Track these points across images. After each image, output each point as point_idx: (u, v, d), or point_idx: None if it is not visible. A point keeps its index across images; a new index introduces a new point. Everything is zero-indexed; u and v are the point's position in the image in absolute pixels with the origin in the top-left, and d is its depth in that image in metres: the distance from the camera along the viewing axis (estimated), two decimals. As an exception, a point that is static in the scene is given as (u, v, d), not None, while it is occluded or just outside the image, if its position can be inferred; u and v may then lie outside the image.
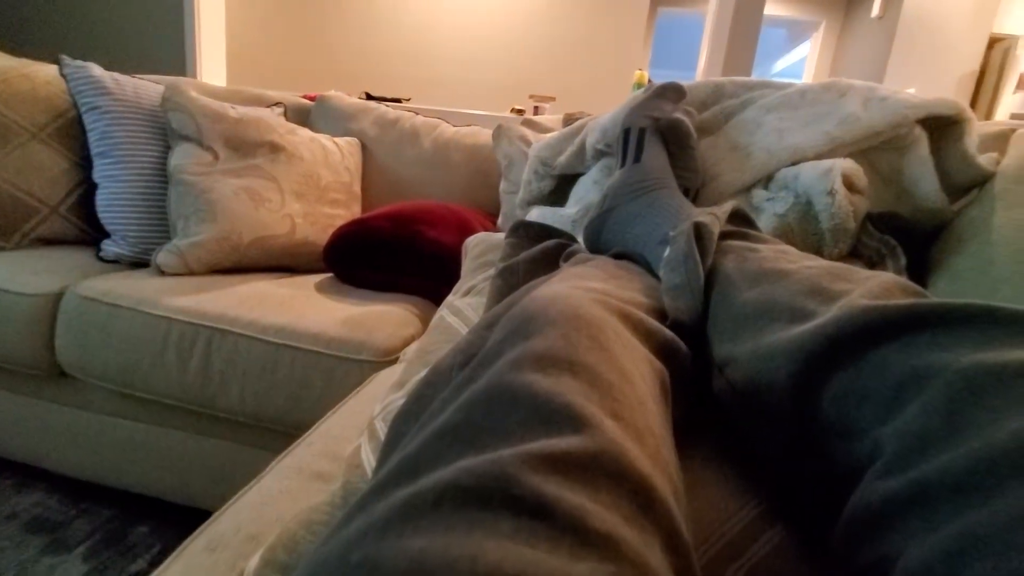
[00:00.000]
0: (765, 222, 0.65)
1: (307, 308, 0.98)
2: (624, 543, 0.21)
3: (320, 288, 1.13)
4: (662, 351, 0.39)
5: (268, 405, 0.91)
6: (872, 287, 0.38)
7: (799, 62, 6.30)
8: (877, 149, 0.69)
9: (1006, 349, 0.29)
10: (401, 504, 0.21)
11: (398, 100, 2.73)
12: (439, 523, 0.20)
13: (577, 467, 0.22)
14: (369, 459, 0.46)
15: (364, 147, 1.57)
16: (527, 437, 0.23)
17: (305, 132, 1.36)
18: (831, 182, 0.60)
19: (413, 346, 0.66)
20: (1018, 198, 0.58)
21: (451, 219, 1.23)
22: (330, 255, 1.15)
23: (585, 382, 0.26)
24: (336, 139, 1.47)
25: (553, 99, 3.07)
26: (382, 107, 1.64)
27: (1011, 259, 0.53)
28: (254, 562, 0.40)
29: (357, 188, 1.49)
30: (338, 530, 0.22)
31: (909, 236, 0.67)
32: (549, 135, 0.96)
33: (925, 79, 3.89)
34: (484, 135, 1.60)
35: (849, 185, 0.62)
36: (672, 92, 0.73)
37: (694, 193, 0.72)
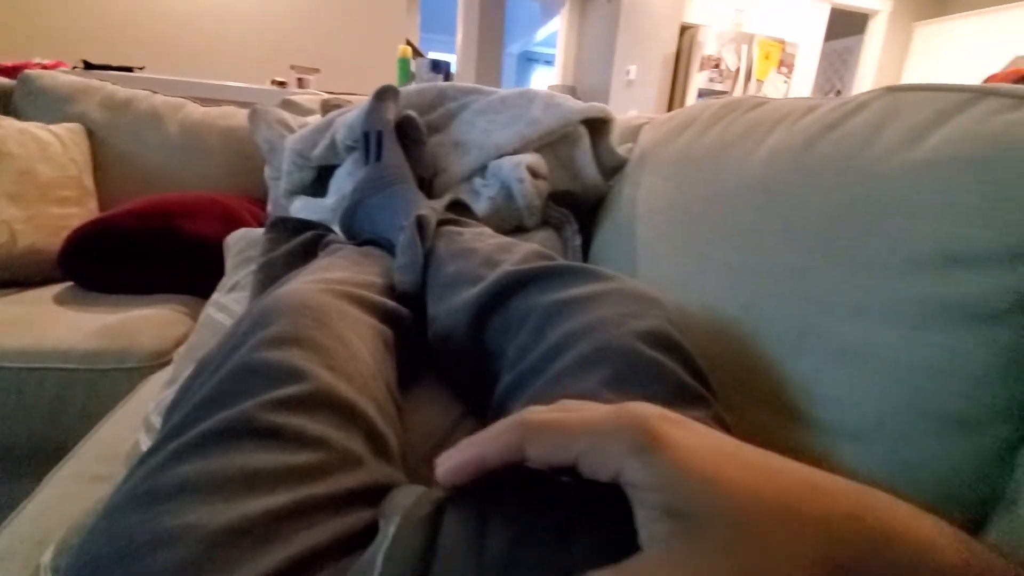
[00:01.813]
0: (483, 204, 0.84)
1: (49, 324, 0.91)
2: (333, 440, 0.35)
3: (61, 300, 1.04)
4: (387, 318, 0.54)
5: (20, 432, 0.85)
6: (518, 257, 0.58)
7: (555, 33, 6.98)
8: (557, 143, 0.92)
9: (566, 289, 0.50)
10: (171, 452, 0.32)
11: (127, 69, 2.35)
12: (201, 455, 0.31)
13: (298, 403, 0.35)
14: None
15: (91, 134, 1.39)
16: (263, 393, 0.35)
17: (11, 123, 1.17)
18: (520, 172, 0.81)
19: (184, 346, 0.70)
20: (635, 177, 0.86)
21: (214, 209, 1.21)
22: (68, 261, 1.05)
23: (308, 349, 0.39)
24: (52, 127, 1.28)
25: (317, 71, 2.97)
26: (108, 86, 1.46)
27: (626, 220, 0.80)
28: (48, 555, 0.45)
29: (89, 182, 1.33)
30: (121, 484, 0.32)
31: (581, 207, 0.93)
32: (302, 129, 1.03)
33: (641, 58, 4.73)
34: (241, 116, 1.55)
35: (534, 173, 0.84)
36: (391, 93, 0.87)
37: (429, 182, 0.88)
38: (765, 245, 0.57)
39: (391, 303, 0.56)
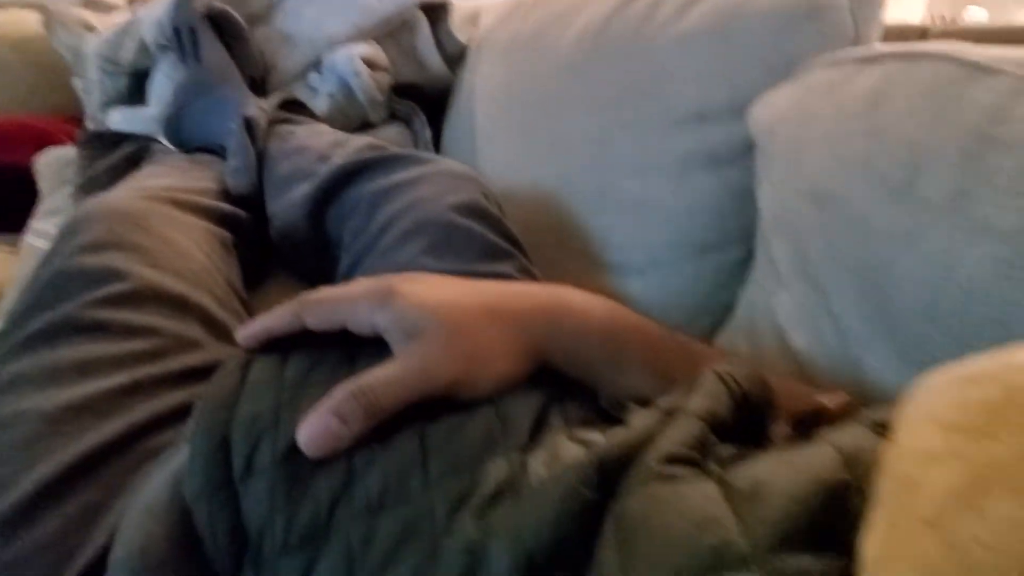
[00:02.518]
0: (322, 101, 0.83)
1: None
2: (164, 328, 0.39)
3: None
4: (223, 221, 0.56)
5: None
6: (350, 150, 0.60)
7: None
8: (398, 31, 0.90)
9: (392, 175, 0.55)
10: (1, 356, 0.34)
11: None
12: (31, 354, 0.34)
13: (122, 299, 0.38)
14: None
15: None
16: (84, 294, 0.37)
17: None
18: (356, 65, 0.80)
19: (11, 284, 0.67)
20: (474, 64, 0.88)
21: (24, 135, 1.06)
22: None
23: (128, 251, 0.41)
24: None
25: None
26: None
27: (467, 108, 0.83)
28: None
29: None
30: None
31: (430, 100, 0.94)
32: (105, 32, 0.91)
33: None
34: (33, 21, 1.31)
35: (371, 64, 0.83)
36: None
37: (261, 81, 0.84)
38: (574, 119, 0.64)
39: (227, 207, 0.57)
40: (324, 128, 0.71)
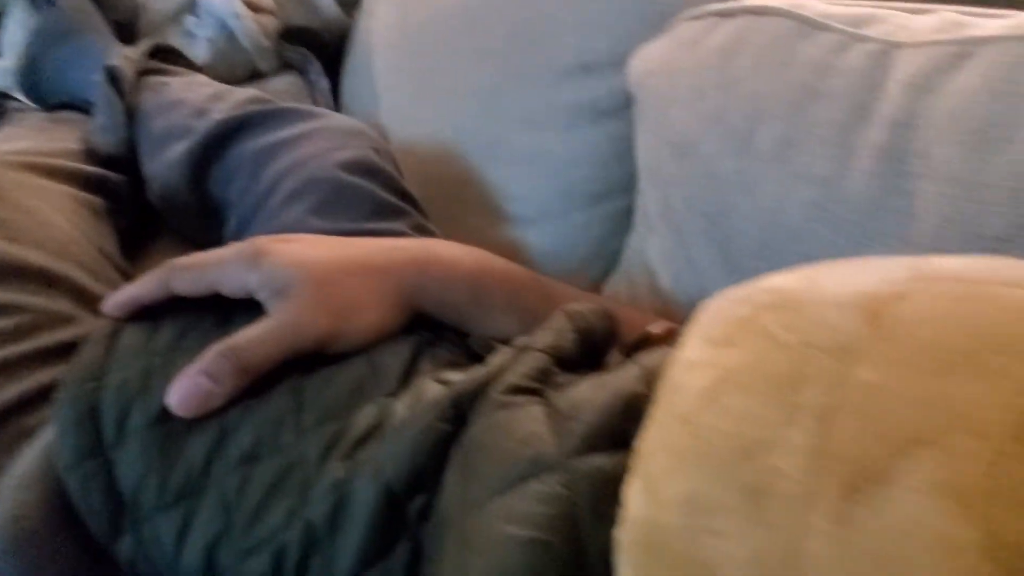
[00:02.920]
0: (201, 48, 0.77)
1: None
2: (28, 304, 0.37)
3: None
4: (90, 186, 0.52)
5: None
6: (230, 104, 0.57)
7: None
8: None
9: (277, 131, 0.53)
10: None
11: None
12: None
13: None
14: None
15: None
16: None
17: None
18: (234, 5, 0.75)
19: None
20: (370, 6, 0.83)
21: None
22: None
23: None
24: None
25: None
26: None
27: (364, 55, 0.80)
28: None
29: None
30: None
31: (328, 47, 0.90)
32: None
33: None
34: None
35: (254, 6, 0.78)
36: None
37: (128, 25, 0.76)
38: (466, 69, 0.64)
39: (95, 169, 0.53)
40: (202, 79, 0.66)
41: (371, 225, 0.47)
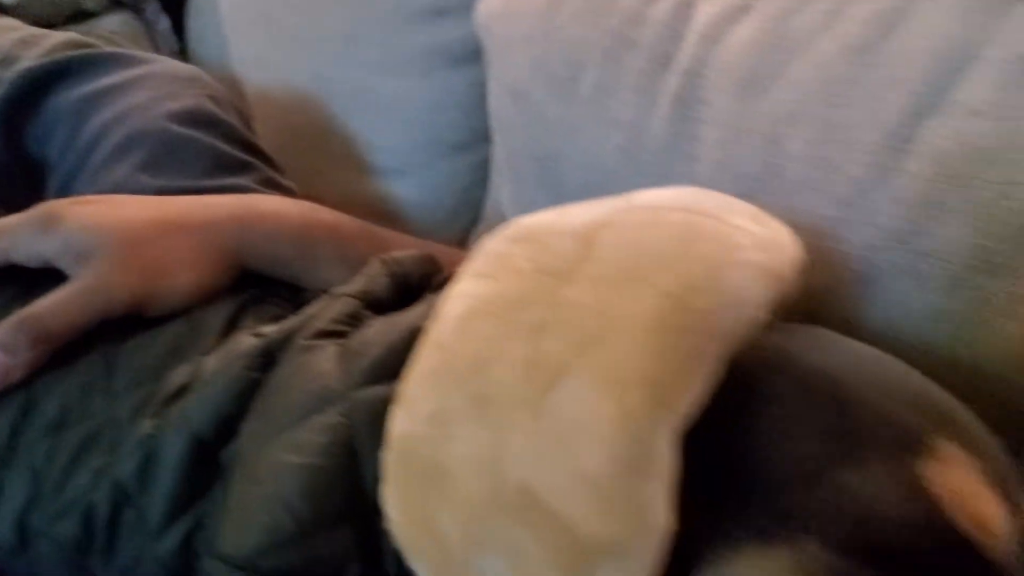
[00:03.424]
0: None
1: None
2: None
3: None
4: None
5: None
6: (43, 50, 0.51)
7: None
8: None
9: (99, 79, 0.48)
10: None
11: None
12: None
13: None
14: None
15: None
16: None
17: None
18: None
19: None
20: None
21: None
22: None
23: None
24: None
25: None
26: None
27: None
28: None
29: None
30: None
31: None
32: None
33: None
34: None
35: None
36: None
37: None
38: (320, 10, 0.60)
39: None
40: (9, 23, 0.57)
41: (211, 182, 0.45)
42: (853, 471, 0.16)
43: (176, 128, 0.46)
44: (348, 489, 0.19)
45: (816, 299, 0.28)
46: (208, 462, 0.23)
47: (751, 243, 0.17)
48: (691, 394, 0.15)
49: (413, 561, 0.17)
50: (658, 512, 0.14)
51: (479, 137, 0.58)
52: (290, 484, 0.19)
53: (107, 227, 0.28)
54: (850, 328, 0.26)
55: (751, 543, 0.16)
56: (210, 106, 0.49)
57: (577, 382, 0.15)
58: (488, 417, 0.17)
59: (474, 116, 0.57)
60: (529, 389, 0.16)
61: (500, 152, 0.48)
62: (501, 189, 0.50)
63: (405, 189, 0.60)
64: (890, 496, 0.15)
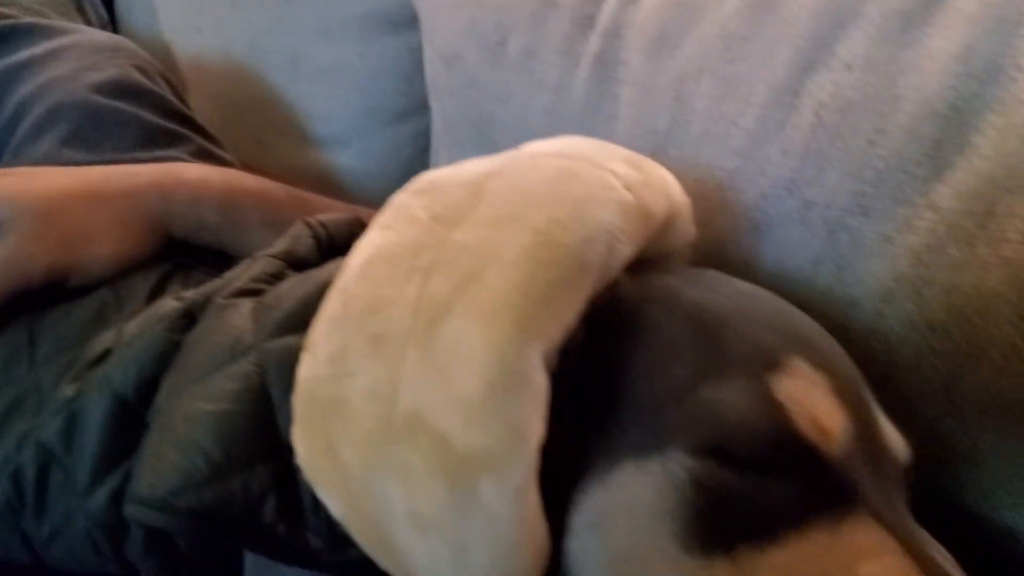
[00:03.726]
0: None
1: None
2: None
3: None
4: None
5: None
6: None
7: None
8: None
9: (18, 52, 0.46)
10: None
11: None
12: None
13: None
14: None
15: None
16: None
17: None
18: None
19: None
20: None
21: None
22: None
23: None
24: None
25: None
26: None
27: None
28: None
29: None
30: None
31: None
32: None
33: None
34: None
35: None
36: None
37: None
38: (253, -26, 0.59)
39: None
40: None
41: (141, 154, 0.44)
42: (715, 387, 0.17)
43: (101, 100, 0.44)
44: (262, 433, 0.20)
45: (717, 246, 0.30)
46: (133, 422, 0.24)
47: (621, 184, 0.19)
48: (558, 320, 0.17)
49: (320, 491, 0.19)
50: (527, 426, 0.16)
51: (421, 105, 0.58)
52: (203, 429, 0.20)
53: (22, 199, 0.28)
54: (747, 272, 0.28)
55: (629, 459, 0.18)
56: (136, 76, 0.47)
57: (457, 317, 0.17)
58: (382, 354, 0.18)
59: (415, 83, 0.56)
60: (418, 326, 0.17)
61: (437, 118, 0.48)
62: (440, 155, 0.50)
63: (348, 159, 0.59)
64: (743, 406, 0.17)
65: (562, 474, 0.19)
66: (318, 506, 0.20)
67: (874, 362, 0.26)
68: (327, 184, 0.58)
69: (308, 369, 0.19)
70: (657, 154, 0.33)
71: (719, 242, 0.30)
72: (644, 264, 0.23)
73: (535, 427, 0.16)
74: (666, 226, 0.22)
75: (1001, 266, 0.22)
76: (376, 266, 0.19)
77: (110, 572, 0.28)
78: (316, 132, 0.60)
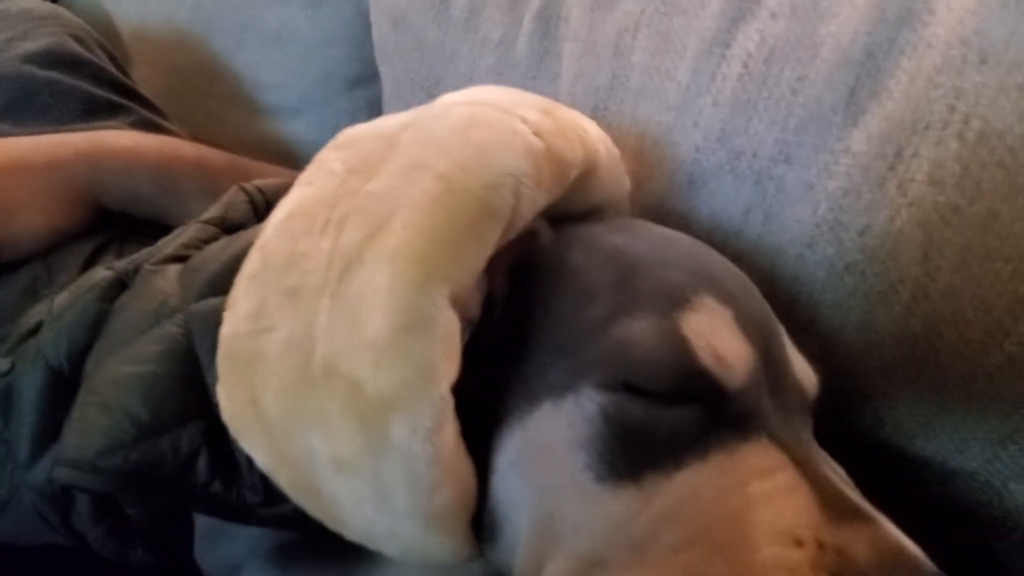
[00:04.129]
0: None
1: None
2: None
3: None
4: None
5: None
6: None
7: None
8: None
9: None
10: None
11: None
12: None
13: None
14: None
15: None
16: None
17: None
18: None
19: None
20: None
21: None
22: None
23: None
24: None
25: None
26: None
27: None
28: None
29: None
30: None
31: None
32: None
33: None
34: None
35: None
36: None
37: None
38: (192, -63, 0.56)
39: None
40: None
41: (80, 126, 0.43)
42: (626, 325, 0.18)
43: (35, 70, 0.43)
44: (190, 393, 0.20)
45: (656, 201, 0.31)
46: (69, 394, 0.23)
47: (530, 130, 0.19)
48: (465, 263, 0.17)
49: (246, 444, 0.19)
50: (435, 367, 0.16)
51: (374, 72, 0.56)
52: (128, 391, 0.20)
53: None
54: (684, 227, 0.28)
55: (546, 399, 0.18)
56: (72, 45, 0.46)
57: (366, 265, 0.17)
58: (298, 306, 0.18)
59: (367, 49, 0.55)
60: (331, 276, 0.18)
61: (387, 82, 0.47)
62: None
63: (302, 128, 0.58)
64: (650, 342, 0.17)
65: (487, 419, 0.19)
66: (252, 463, 0.20)
67: (799, 307, 0.27)
68: (280, 155, 0.57)
69: (229, 326, 0.19)
70: (599, 110, 0.34)
71: (658, 197, 0.30)
72: (576, 217, 0.24)
73: (444, 369, 0.16)
74: (587, 176, 0.22)
75: (908, 207, 0.22)
76: (294, 221, 0.19)
77: (60, 543, 0.28)
78: (267, 101, 0.58)
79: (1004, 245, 0.21)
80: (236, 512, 0.21)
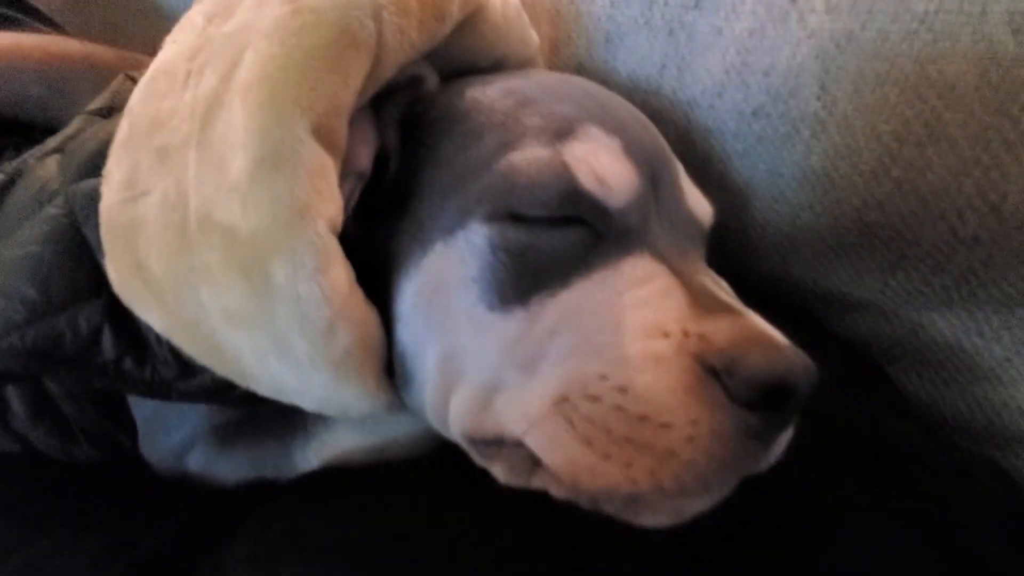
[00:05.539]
0: None
1: None
2: None
3: None
4: None
5: None
6: None
7: None
8: None
9: None
10: None
11: None
12: None
13: None
14: None
15: None
16: None
17: None
18: None
19: None
20: None
21: None
22: None
23: None
24: None
25: None
26: None
27: None
28: None
29: None
30: None
31: None
32: None
33: None
34: None
35: None
36: None
37: None
38: None
39: None
40: None
41: None
42: (509, 158, 0.18)
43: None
44: (81, 272, 0.20)
45: (576, 64, 0.30)
46: None
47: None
48: (323, 91, 0.16)
49: (139, 311, 0.18)
50: (306, 202, 0.16)
51: None
52: (14, 273, 0.19)
53: None
54: (605, 81, 0.28)
55: (439, 240, 0.18)
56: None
57: (224, 106, 0.16)
58: (168, 164, 0.17)
59: None
60: (194, 127, 0.17)
61: None
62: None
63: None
64: (532, 170, 0.17)
65: (391, 270, 0.19)
66: (160, 337, 0.20)
67: (714, 159, 0.27)
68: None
69: (106, 198, 0.18)
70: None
71: (577, 61, 0.29)
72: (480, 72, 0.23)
73: (318, 207, 0.16)
74: (479, 22, 0.21)
75: (808, 39, 0.22)
76: (158, 81, 0.18)
77: (8, 450, 0.28)
78: (174, 8, 0.54)
79: (892, 68, 0.21)
80: (154, 389, 0.21)
